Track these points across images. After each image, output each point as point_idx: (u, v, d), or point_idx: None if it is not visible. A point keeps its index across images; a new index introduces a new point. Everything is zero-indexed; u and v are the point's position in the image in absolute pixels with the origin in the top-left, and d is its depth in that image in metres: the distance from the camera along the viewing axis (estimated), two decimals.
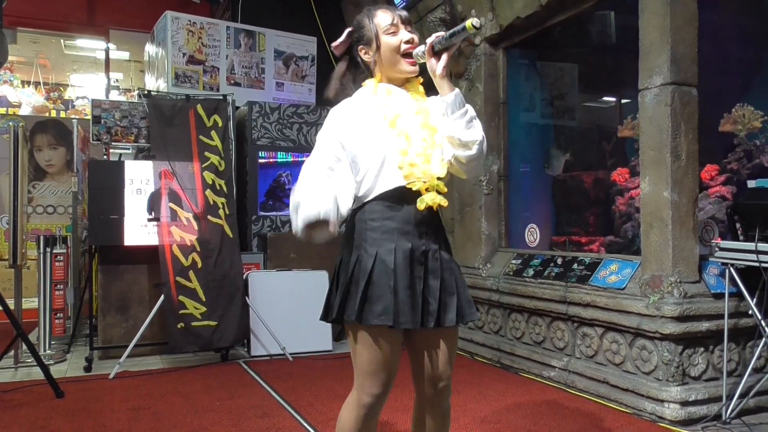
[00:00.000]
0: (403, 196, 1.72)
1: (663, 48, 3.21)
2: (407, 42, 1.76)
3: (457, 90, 1.71)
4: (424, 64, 1.74)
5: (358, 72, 1.86)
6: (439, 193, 1.74)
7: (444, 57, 1.69)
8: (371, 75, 1.84)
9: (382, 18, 1.78)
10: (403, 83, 1.83)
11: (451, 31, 1.66)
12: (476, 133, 1.71)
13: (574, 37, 4.68)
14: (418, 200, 1.71)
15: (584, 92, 5.16)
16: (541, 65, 4.94)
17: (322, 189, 1.62)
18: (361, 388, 1.73)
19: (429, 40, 1.71)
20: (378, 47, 1.78)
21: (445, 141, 1.75)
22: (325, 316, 1.78)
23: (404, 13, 1.81)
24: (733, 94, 3.77)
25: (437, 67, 1.69)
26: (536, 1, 4.04)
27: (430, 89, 1.82)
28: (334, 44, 1.87)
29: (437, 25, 4.94)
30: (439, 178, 1.74)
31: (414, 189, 1.71)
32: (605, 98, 5.31)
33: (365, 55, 1.82)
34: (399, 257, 1.69)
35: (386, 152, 1.72)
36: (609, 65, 4.89)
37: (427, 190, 1.72)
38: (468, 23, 1.58)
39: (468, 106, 1.72)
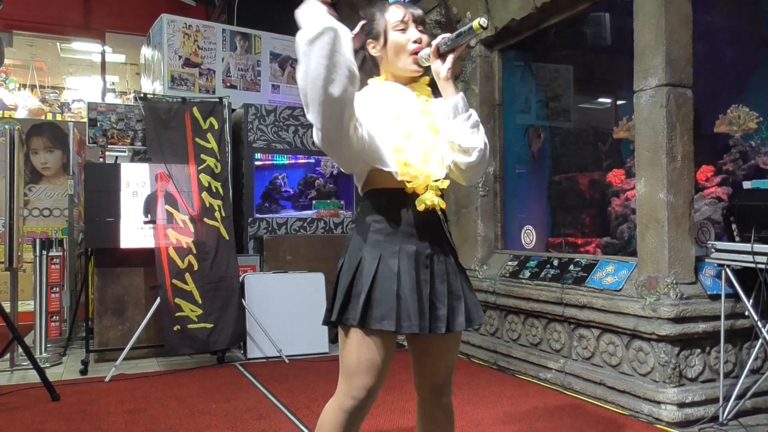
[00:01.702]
0: (401, 197, 1.68)
1: (658, 49, 3.22)
2: (415, 41, 1.73)
3: (461, 94, 1.69)
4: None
5: (367, 68, 1.81)
6: (437, 195, 1.70)
7: (449, 59, 1.67)
8: (378, 72, 1.81)
9: (394, 13, 1.75)
10: (409, 82, 1.80)
11: (458, 32, 1.63)
12: (478, 139, 1.68)
13: (569, 39, 4.69)
14: (417, 201, 1.67)
15: (579, 94, 5.16)
16: (536, 67, 4.94)
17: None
18: (345, 392, 1.68)
19: (434, 42, 1.68)
20: (385, 42, 1.75)
21: (445, 145, 1.72)
22: (327, 320, 1.73)
23: (418, 12, 1.77)
24: (728, 95, 3.78)
25: (442, 69, 1.68)
26: (531, 3, 4.04)
27: (436, 91, 1.80)
28: (350, 34, 1.78)
29: (432, 27, 4.94)
30: (435, 180, 1.70)
31: (409, 189, 1.67)
32: (601, 100, 5.32)
33: (373, 49, 1.79)
34: (403, 260, 1.66)
35: (386, 148, 1.67)
36: (604, 67, 4.89)
37: (426, 189, 1.68)
38: (475, 23, 1.56)
39: (472, 111, 1.70)
